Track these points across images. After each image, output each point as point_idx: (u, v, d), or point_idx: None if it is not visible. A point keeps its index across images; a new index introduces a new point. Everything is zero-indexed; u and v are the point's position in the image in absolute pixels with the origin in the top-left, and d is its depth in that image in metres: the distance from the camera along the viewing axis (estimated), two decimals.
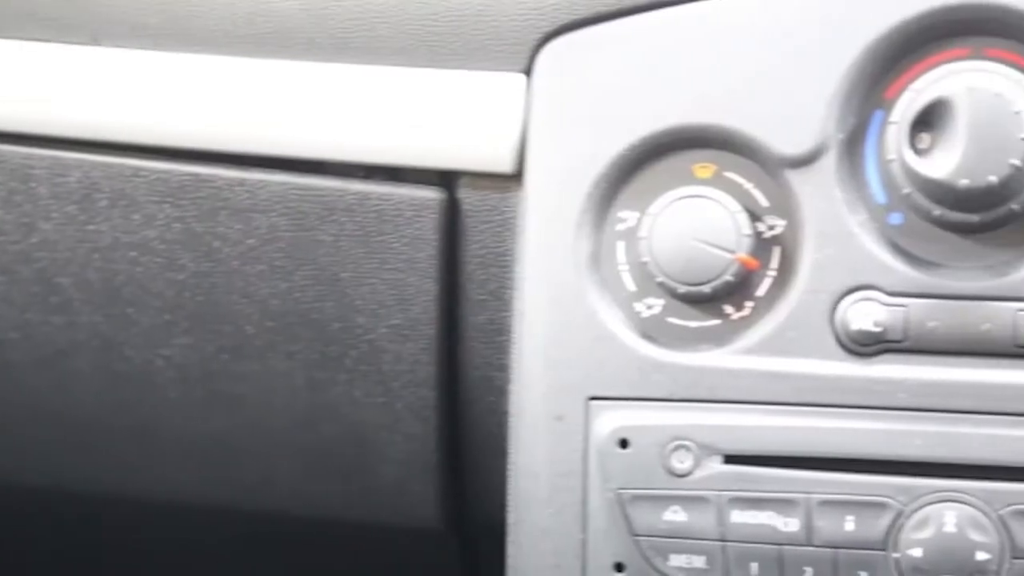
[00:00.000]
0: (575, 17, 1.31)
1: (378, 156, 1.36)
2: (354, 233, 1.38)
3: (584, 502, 1.29)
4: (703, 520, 1.26)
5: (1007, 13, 1.22)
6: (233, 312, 1.42)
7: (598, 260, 1.30)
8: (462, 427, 1.43)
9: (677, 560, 1.27)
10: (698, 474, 1.26)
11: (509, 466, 1.34)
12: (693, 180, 1.28)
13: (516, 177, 1.33)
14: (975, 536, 1.21)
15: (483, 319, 1.38)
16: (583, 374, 1.29)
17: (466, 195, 1.36)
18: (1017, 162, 1.17)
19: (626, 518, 1.27)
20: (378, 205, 1.37)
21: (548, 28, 1.31)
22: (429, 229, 1.36)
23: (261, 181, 1.39)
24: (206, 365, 1.45)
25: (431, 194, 1.36)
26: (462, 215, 1.36)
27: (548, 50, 1.31)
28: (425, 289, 1.37)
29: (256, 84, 1.38)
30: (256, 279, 1.41)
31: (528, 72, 1.32)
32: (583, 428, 1.29)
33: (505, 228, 1.35)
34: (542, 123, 1.31)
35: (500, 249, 1.36)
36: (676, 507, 1.26)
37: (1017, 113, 1.18)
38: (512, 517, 1.34)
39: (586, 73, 1.30)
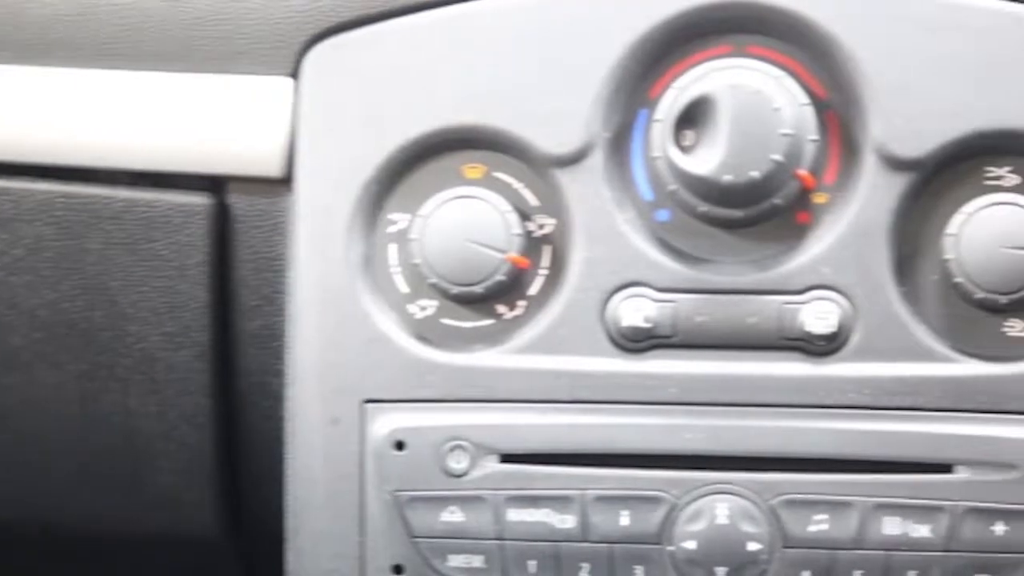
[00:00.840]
0: (341, 20, 1.27)
1: (144, 162, 1.31)
2: (122, 241, 1.33)
3: (362, 505, 1.26)
4: (480, 520, 1.23)
5: (766, 11, 1.21)
6: None
7: (370, 263, 1.26)
8: (238, 434, 1.39)
9: (456, 560, 1.24)
10: (474, 474, 1.23)
11: (286, 471, 1.30)
12: (463, 181, 1.25)
13: (286, 181, 1.28)
14: (746, 527, 1.21)
15: (257, 324, 1.34)
16: (358, 377, 1.26)
17: (235, 200, 1.32)
18: (778, 157, 1.16)
19: (404, 520, 1.25)
20: (146, 212, 1.32)
21: (314, 31, 1.27)
22: (198, 235, 1.31)
23: (25, 190, 1.33)
24: None
25: (199, 200, 1.31)
26: (232, 220, 1.32)
27: (315, 53, 1.27)
28: (196, 296, 1.33)
29: (17, 91, 1.32)
30: (23, 289, 1.35)
31: (295, 75, 1.28)
32: (359, 431, 1.26)
33: (276, 232, 1.31)
34: (310, 126, 1.27)
35: (272, 254, 1.32)
36: (454, 507, 1.24)
37: (777, 109, 1.17)
38: (290, 522, 1.30)
39: (353, 75, 1.26)
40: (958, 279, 1.19)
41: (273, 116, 1.27)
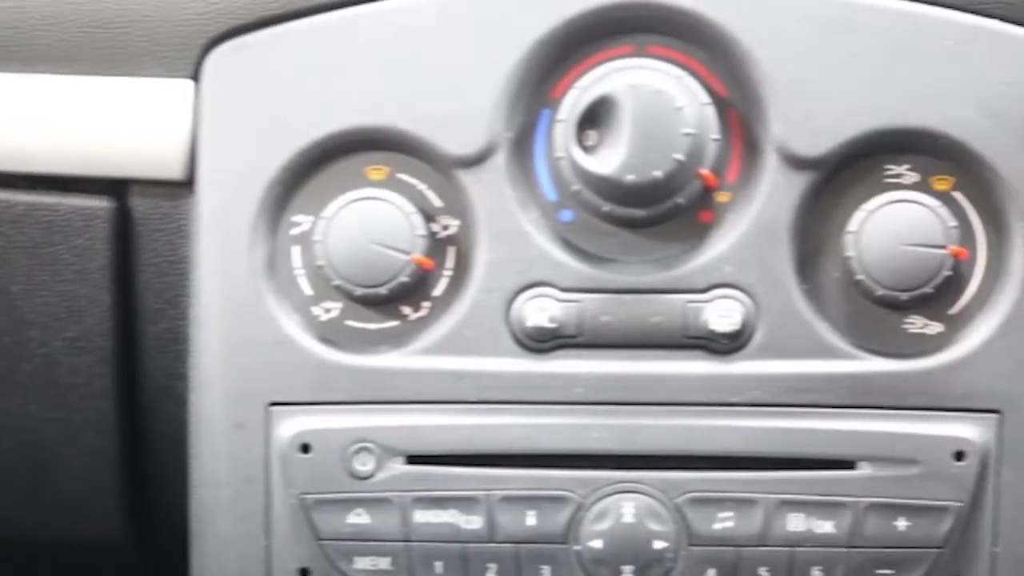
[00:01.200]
0: (241, 22, 1.25)
1: (43, 166, 1.28)
2: (23, 245, 1.30)
3: (267, 508, 1.25)
4: (387, 521, 1.22)
5: (666, 11, 1.20)
6: None
7: (274, 265, 1.25)
8: (142, 438, 1.36)
9: (362, 563, 1.23)
10: (380, 476, 1.22)
11: (190, 475, 1.28)
12: (366, 182, 1.24)
13: (188, 184, 1.26)
14: (653, 525, 1.20)
15: (160, 328, 1.32)
16: (262, 380, 1.24)
17: (137, 203, 1.30)
18: (680, 157, 1.16)
19: (310, 523, 1.23)
20: (46, 216, 1.30)
21: (214, 33, 1.25)
22: (100, 239, 1.29)
23: None
24: None
25: (101, 203, 1.29)
26: (134, 223, 1.30)
27: (216, 55, 1.25)
28: (99, 300, 1.31)
29: None
30: None
31: (196, 78, 1.26)
32: (264, 434, 1.24)
33: (179, 235, 1.29)
34: (211, 128, 1.25)
35: (175, 257, 1.30)
36: (360, 510, 1.23)
37: (679, 109, 1.16)
38: (195, 527, 1.29)
39: (255, 77, 1.24)
40: (859, 276, 1.19)
41: (174, 118, 1.25)
